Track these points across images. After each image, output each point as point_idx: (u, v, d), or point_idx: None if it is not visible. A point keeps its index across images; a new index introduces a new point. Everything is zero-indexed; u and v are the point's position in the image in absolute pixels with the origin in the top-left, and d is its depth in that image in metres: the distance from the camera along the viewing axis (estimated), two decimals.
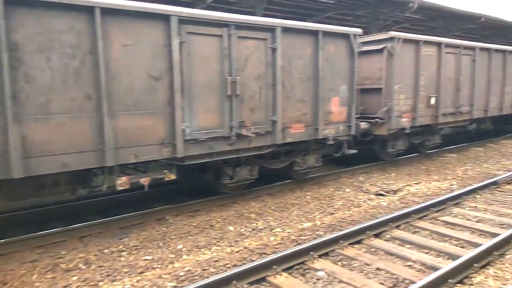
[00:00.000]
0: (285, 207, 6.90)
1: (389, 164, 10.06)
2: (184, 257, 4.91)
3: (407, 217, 5.93)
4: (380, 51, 8.98)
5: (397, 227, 5.70)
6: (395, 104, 9.05)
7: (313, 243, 4.77)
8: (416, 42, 9.48)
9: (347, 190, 7.94)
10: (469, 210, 6.43)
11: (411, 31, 15.98)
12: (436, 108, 10.14)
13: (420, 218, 6.03)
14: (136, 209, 6.55)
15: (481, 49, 11.66)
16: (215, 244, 5.30)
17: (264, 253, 4.95)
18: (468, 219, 5.96)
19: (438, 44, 10.05)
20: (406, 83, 9.26)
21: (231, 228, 5.90)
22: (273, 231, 5.76)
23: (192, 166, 6.26)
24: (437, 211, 6.33)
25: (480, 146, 12.67)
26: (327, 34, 7.42)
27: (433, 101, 9.96)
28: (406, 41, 9.20)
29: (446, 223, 5.86)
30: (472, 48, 11.27)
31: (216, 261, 4.73)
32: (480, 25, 16.03)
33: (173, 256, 4.93)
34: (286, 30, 6.80)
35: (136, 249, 5.19)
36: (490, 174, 8.98)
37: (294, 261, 4.53)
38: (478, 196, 7.15)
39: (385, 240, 5.33)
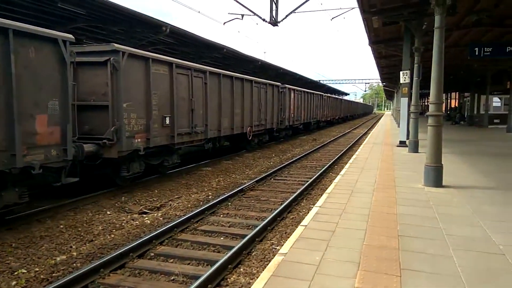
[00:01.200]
0: (31, 242, 5.79)
1: (153, 181, 10.11)
2: None
3: (170, 231, 6.04)
4: (104, 64, 8.03)
5: (161, 243, 5.71)
6: (125, 124, 8.30)
7: (67, 278, 4.16)
8: (145, 59, 9.03)
9: (108, 212, 7.44)
10: (223, 217, 7.15)
11: (166, 53, 16.81)
12: (172, 128, 10.09)
13: (182, 231, 6.25)
14: None
15: (211, 73, 12.36)
16: None
17: None
18: (223, 225, 6.60)
19: (170, 64, 9.99)
20: (137, 101, 8.72)
21: None
22: (15, 273, 4.71)
23: None
24: (197, 221, 6.73)
25: (229, 160, 14.48)
26: (23, 34, 6.02)
27: (168, 121, 9.85)
28: (134, 56, 8.62)
29: (205, 231, 6.29)
30: (203, 71, 11.85)
31: None
32: (224, 54, 18.56)
33: None
34: None
35: None
36: (238, 183, 10.34)
37: None
38: (229, 203, 8.05)
39: (149, 258, 5.23)
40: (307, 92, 26.72)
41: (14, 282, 4.45)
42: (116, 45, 8.17)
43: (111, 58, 8.01)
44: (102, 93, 8.17)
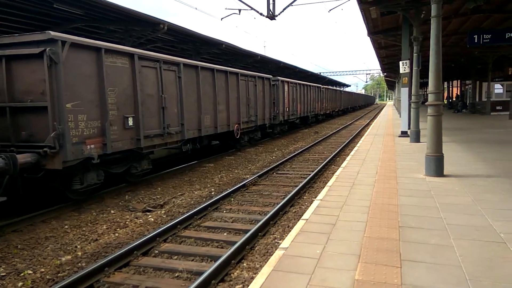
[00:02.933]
0: (37, 243, 5.87)
1: (155, 179, 10.17)
2: None
3: (174, 229, 6.09)
4: (39, 56, 6.67)
5: (165, 240, 5.77)
6: (71, 128, 6.91)
7: (72, 278, 4.22)
8: (96, 49, 7.61)
9: (112, 211, 7.51)
10: (226, 212, 7.20)
11: (165, 51, 16.88)
12: (137, 130, 8.71)
13: (185, 228, 6.31)
14: None
15: (186, 65, 10.90)
16: None
17: None
18: (226, 221, 6.64)
19: (130, 55, 8.56)
20: (87, 100, 7.36)
21: None
22: (22, 274, 4.78)
23: None
24: (200, 218, 6.79)
25: (232, 155, 14.52)
26: None
27: (131, 122, 8.48)
28: (79, 46, 7.21)
29: (208, 228, 6.35)
30: (176, 64, 10.39)
31: None
32: (222, 50, 18.51)
33: None
34: None
35: None
36: (240, 178, 10.38)
37: None
38: (232, 199, 8.10)
39: (154, 256, 5.29)
40: (303, 85, 25.36)
41: (20, 283, 4.52)
42: (53, 33, 6.73)
43: (47, 49, 6.60)
44: (40, 91, 6.81)
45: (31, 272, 4.85)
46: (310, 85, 27.20)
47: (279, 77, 20.05)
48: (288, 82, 21.73)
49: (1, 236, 6.09)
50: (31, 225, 6.63)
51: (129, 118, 8.49)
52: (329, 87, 38.21)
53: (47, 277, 4.68)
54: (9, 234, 6.19)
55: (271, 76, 18.96)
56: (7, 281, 4.61)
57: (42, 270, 4.90)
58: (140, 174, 9.57)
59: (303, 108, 25.33)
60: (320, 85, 31.24)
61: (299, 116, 24.31)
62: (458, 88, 42.98)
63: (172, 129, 10.13)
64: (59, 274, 4.75)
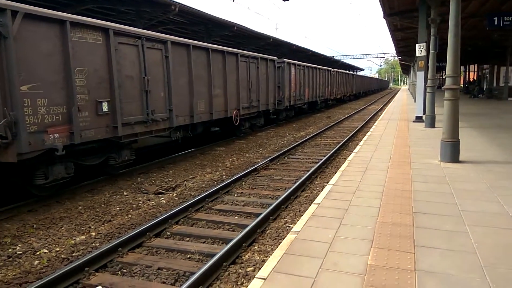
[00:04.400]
0: (52, 223, 5.97)
1: (167, 162, 10.23)
2: None
3: (186, 211, 6.14)
4: None
5: (177, 222, 5.82)
6: (27, 114, 5.95)
7: (87, 258, 4.28)
8: (60, 22, 6.49)
9: (125, 193, 7.59)
10: (237, 196, 7.21)
11: (176, 33, 16.76)
12: (113, 117, 7.66)
13: (197, 210, 6.35)
14: None
15: (175, 43, 9.65)
16: None
17: (26, 282, 4.13)
18: (237, 204, 6.66)
19: (104, 30, 7.42)
20: (48, 82, 6.33)
21: None
22: (37, 253, 4.88)
23: None
24: (211, 201, 6.82)
25: (242, 139, 14.49)
26: None
27: (105, 107, 7.43)
28: (38, 18, 6.15)
29: (219, 211, 6.37)
30: (163, 41, 9.18)
31: None
32: (234, 32, 18.31)
33: None
34: None
35: None
36: (251, 162, 10.37)
37: (64, 284, 3.95)
38: (243, 183, 8.10)
39: (166, 237, 5.34)
40: (312, 67, 23.44)
41: (36, 262, 4.62)
42: (1, 1, 5.67)
43: None
44: None
45: (46, 251, 4.95)
46: (319, 68, 25.55)
47: (285, 59, 18.71)
48: (295, 64, 20.16)
49: (17, 215, 6.22)
50: (46, 205, 6.75)
51: (103, 103, 7.41)
52: (340, 70, 36.27)
53: (62, 256, 4.76)
54: (25, 214, 6.32)
55: (275, 57, 17.49)
56: (24, 259, 4.72)
57: (57, 249, 4.99)
58: (121, 166, 8.61)
59: (312, 92, 23.83)
60: (330, 69, 29.39)
61: (306, 101, 22.93)
62: (475, 72, 41.97)
63: (158, 115, 9.01)
64: (73, 254, 4.83)
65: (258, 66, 15.13)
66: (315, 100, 24.75)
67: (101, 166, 8.25)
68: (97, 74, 7.32)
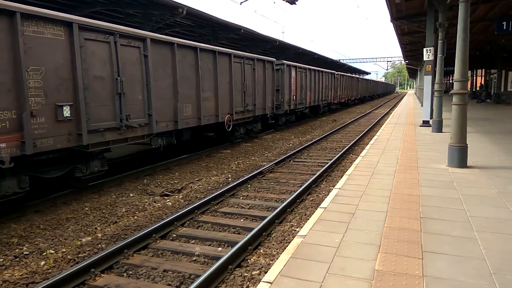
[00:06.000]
0: (58, 223, 6.00)
1: (173, 164, 10.25)
2: None
3: (191, 213, 6.14)
4: None
5: (182, 225, 5.82)
6: None
7: (93, 259, 4.29)
8: (9, 14, 5.63)
9: (131, 194, 7.61)
10: (242, 199, 7.20)
11: (183, 36, 16.84)
12: (77, 123, 6.70)
13: (202, 213, 6.34)
14: None
15: (156, 41, 8.65)
16: None
17: (32, 283, 4.15)
18: (242, 207, 6.64)
19: (68, 25, 6.50)
20: None
21: None
22: (44, 254, 4.90)
23: None
24: (217, 203, 6.81)
25: (248, 142, 14.49)
26: None
27: (67, 111, 6.50)
28: None
29: (225, 213, 6.36)
30: (141, 39, 8.22)
31: None
32: (241, 35, 18.35)
33: None
34: None
35: None
36: (257, 165, 10.36)
37: (70, 285, 3.96)
38: (249, 186, 8.09)
39: (172, 240, 5.34)
40: (314, 70, 22.52)
41: (43, 262, 4.64)
42: None
43: None
44: None
45: (53, 251, 4.97)
46: (322, 71, 24.50)
47: (284, 61, 17.69)
48: (296, 67, 19.09)
49: (24, 216, 6.26)
50: (53, 206, 6.78)
51: (65, 107, 6.46)
52: (345, 73, 35.17)
53: (68, 257, 4.78)
54: (32, 214, 6.35)
55: (274, 59, 16.32)
56: (30, 260, 4.74)
57: (64, 250, 5.01)
58: (90, 179, 7.64)
59: (314, 96, 22.84)
60: (333, 71, 28.25)
61: (308, 106, 21.82)
62: (483, 77, 41.69)
63: (134, 121, 8.00)
64: (79, 255, 4.85)
65: (254, 67, 14.02)
66: (317, 104, 23.91)
67: (66, 179, 7.39)
68: (57, 74, 6.40)
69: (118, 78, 7.59)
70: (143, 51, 8.29)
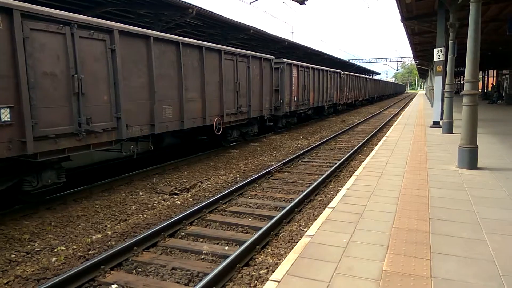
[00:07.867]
0: (69, 221, 6.09)
1: (182, 163, 10.31)
2: None
3: (200, 212, 6.18)
4: None
5: (191, 223, 5.87)
6: None
7: (103, 256, 4.36)
8: None
9: (141, 193, 7.68)
10: (250, 198, 7.22)
11: (193, 36, 16.92)
12: (20, 128, 5.65)
13: (211, 212, 6.38)
14: None
15: (126, 33, 7.55)
16: None
17: (44, 278, 4.22)
18: (250, 207, 6.67)
19: (6, 11, 5.42)
20: None
21: None
22: (55, 250, 4.99)
23: None
24: (225, 203, 6.85)
25: (257, 142, 14.50)
26: None
27: (6, 115, 5.46)
28: None
29: (233, 212, 6.40)
30: (107, 30, 7.10)
31: None
32: (250, 35, 18.38)
33: None
34: None
35: None
36: (265, 165, 10.37)
37: (80, 282, 4.02)
38: (257, 185, 8.11)
39: (180, 238, 5.39)
40: (318, 69, 21.11)
41: (54, 259, 4.72)
42: None
43: None
44: None
45: (63, 248, 5.05)
46: (327, 70, 22.95)
47: (284, 59, 16.41)
48: (297, 65, 17.74)
49: (36, 213, 6.36)
50: (64, 203, 6.88)
51: (2, 110, 5.42)
52: (352, 73, 33.76)
53: (79, 253, 4.85)
54: (43, 211, 6.45)
55: (272, 57, 14.94)
56: (42, 256, 4.82)
57: (74, 247, 5.09)
58: (43, 192, 6.57)
59: (318, 97, 21.47)
60: (339, 71, 26.74)
61: (311, 107, 20.52)
62: (494, 78, 41.13)
63: (97, 125, 6.91)
64: (90, 252, 4.92)
65: (249, 65, 12.64)
66: (321, 105, 22.45)
67: (13, 193, 6.37)
68: None
69: (76, 75, 6.47)
70: (109, 45, 7.16)
